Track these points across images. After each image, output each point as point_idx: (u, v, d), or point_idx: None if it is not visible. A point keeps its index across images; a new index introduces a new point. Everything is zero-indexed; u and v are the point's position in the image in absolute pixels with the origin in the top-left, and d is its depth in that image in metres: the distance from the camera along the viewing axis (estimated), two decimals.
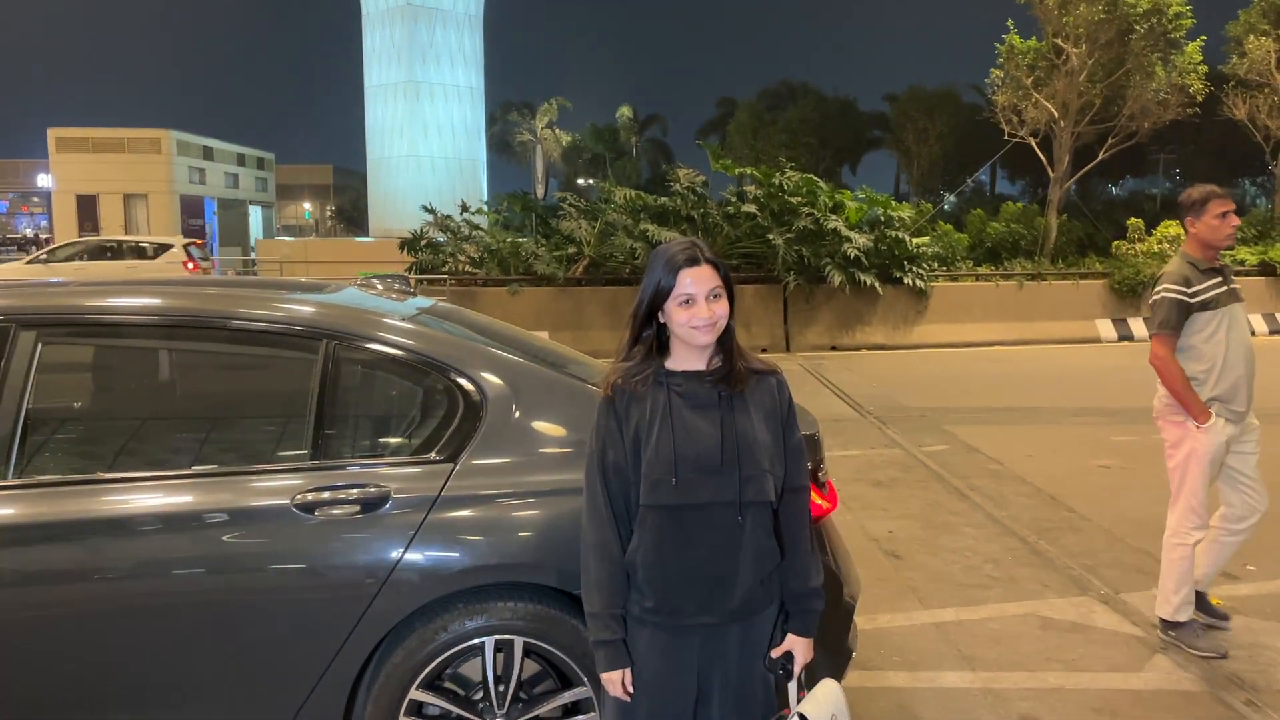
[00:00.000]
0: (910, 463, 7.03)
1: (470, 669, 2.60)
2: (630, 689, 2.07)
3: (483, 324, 3.35)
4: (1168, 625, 3.90)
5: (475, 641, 2.55)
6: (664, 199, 13.95)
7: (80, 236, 30.02)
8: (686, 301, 2.00)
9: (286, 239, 39.87)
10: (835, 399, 9.73)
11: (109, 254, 20.43)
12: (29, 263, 20.44)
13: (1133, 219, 16.95)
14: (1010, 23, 17.55)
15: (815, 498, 2.53)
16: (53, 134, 40.11)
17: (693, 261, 2.02)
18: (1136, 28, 16.33)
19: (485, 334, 3.10)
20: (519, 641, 2.56)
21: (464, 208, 15.11)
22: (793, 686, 2.14)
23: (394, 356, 2.73)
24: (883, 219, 14.19)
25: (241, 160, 48.06)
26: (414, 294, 3.67)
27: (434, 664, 2.54)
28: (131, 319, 2.77)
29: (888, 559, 4.97)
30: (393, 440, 2.85)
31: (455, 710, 2.58)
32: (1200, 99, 17.13)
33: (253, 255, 33.53)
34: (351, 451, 2.74)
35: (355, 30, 36.82)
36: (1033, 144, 17.69)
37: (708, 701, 2.10)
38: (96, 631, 2.49)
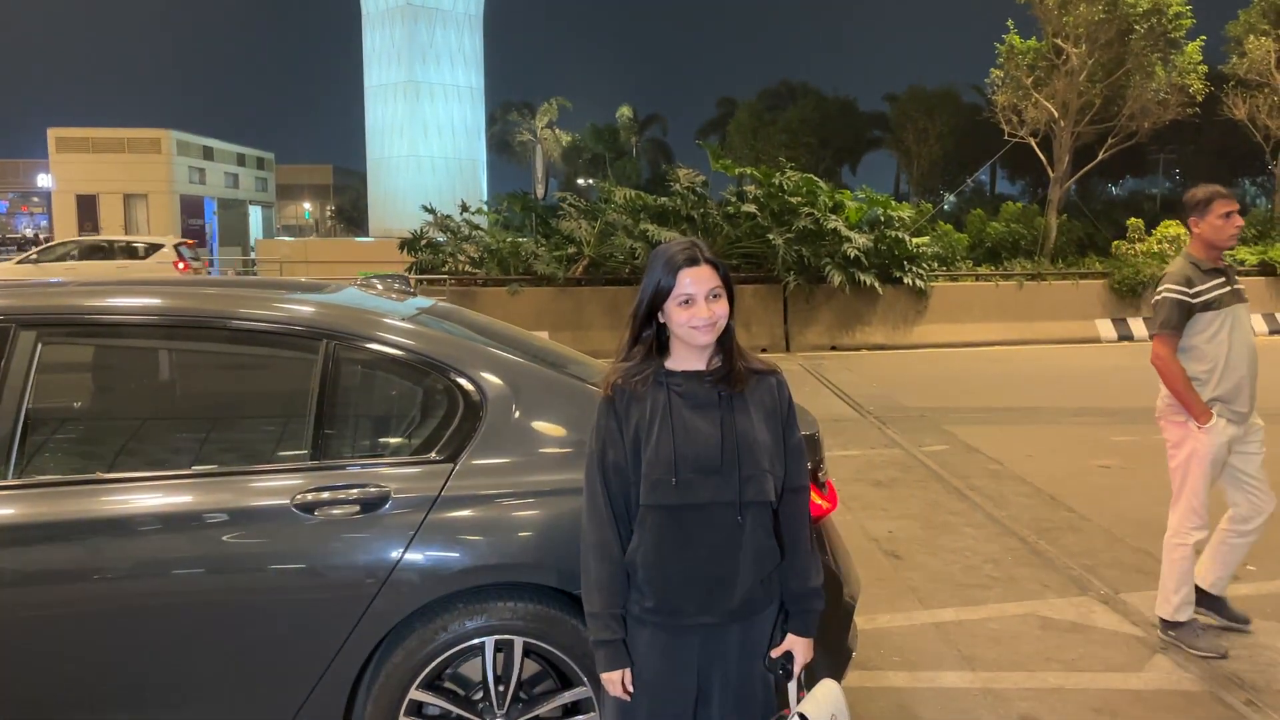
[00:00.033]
0: (910, 463, 7.03)
1: (470, 669, 2.60)
2: (630, 689, 2.07)
3: (483, 324, 3.35)
4: (1168, 625, 3.89)
5: (475, 641, 2.54)
6: (664, 199, 13.94)
7: (80, 236, 30.00)
8: (686, 301, 2.00)
9: (286, 239, 39.88)
10: (835, 399, 9.73)
11: (100, 254, 20.45)
12: (19, 262, 20.41)
13: (1133, 219, 16.95)
14: (1010, 23, 17.58)
15: (815, 498, 2.53)
16: (53, 134, 40.17)
17: (692, 261, 2.02)
18: (1136, 28, 16.33)
19: (485, 334, 3.10)
20: (519, 641, 2.56)
21: (464, 208, 15.10)
22: (792, 686, 2.14)
23: (394, 356, 2.73)
24: (883, 219, 14.18)
25: (241, 160, 48.09)
26: (414, 294, 3.67)
27: (434, 664, 2.54)
28: (132, 319, 2.77)
29: (887, 559, 4.97)
30: (393, 440, 2.86)
31: (455, 710, 2.58)
32: (1200, 99, 17.13)
33: (252, 255, 33.54)
34: (351, 451, 2.74)
35: (355, 30, 36.91)
36: (1033, 144, 17.69)
37: (708, 701, 2.09)
38: (96, 631, 2.49)
